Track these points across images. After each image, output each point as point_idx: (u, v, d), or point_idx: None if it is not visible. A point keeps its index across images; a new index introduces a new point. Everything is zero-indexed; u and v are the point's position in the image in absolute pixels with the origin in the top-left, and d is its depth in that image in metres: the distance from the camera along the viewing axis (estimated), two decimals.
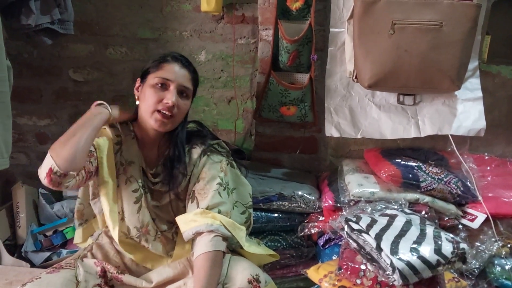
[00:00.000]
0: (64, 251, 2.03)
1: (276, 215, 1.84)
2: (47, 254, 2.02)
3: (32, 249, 2.05)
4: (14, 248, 2.10)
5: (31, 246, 2.06)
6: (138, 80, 1.49)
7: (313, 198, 1.86)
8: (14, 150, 1.79)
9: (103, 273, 1.42)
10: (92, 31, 2.20)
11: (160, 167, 1.48)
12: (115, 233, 1.44)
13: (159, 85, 1.40)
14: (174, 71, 1.42)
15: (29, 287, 1.25)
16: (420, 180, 1.76)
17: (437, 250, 1.36)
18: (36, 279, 1.29)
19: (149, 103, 1.40)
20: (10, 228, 2.16)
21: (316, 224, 1.80)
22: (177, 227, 1.46)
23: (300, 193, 1.86)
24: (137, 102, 1.47)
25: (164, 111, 1.39)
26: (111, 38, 2.21)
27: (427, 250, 1.36)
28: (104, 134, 1.47)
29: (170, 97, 1.39)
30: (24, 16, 1.70)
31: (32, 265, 1.96)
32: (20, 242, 2.10)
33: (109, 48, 2.23)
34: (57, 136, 2.38)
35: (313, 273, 1.59)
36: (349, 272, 1.47)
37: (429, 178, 1.77)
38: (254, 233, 1.74)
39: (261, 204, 1.81)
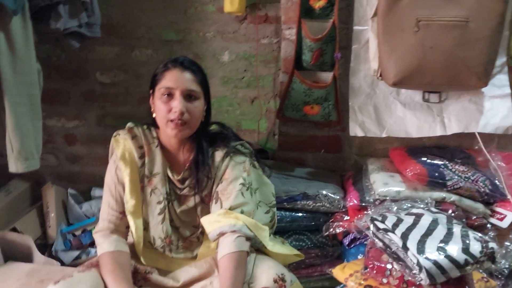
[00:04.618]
0: (92, 250, 2.06)
1: (300, 214, 1.84)
2: (76, 253, 2.07)
3: (62, 248, 2.09)
4: (45, 247, 2.14)
5: (61, 245, 2.10)
6: (151, 91, 1.49)
7: (338, 197, 1.86)
8: (43, 152, 1.83)
9: (133, 273, 1.44)
10: (118, 34, 2.24)
11: (187, 171, 1.50)
12: (139, 249, 1.47)
13: (166, 95, 1.40)
14: (176, 78, 1.40)
15: (61, 285, 1.28)
16: (447, 178, 1.74)
17: (465, 250, 1.35)
18: (68, 277, 1.31)
19: (161, 115, 1.42)
20: (41, 227, 2.21)
21: (341, 223, 1.79)
22: (202, 230, 1.48)
23: (324, 192, 1.86)
24: (154, 115, 1.47)
25: (175, 120, 1.39)
26: (136, 40, 2.24)
27: (454, 249, 1.35)
28: (127, 150, 1.48)
29: (177, 104, 1.38)
30: (53, 20, 1.74)
31: (62, 264, 2.00)
32: (50, 242, 2.15)
33: (135, 51, 2.26)
34: (85, 138, 2.42)
35: (339, 272, 1.59)
36: (375, 271, 1.47)
37: (456, 177, 1.74)
38: (279, 232, 1.74)
39: (285, 203, 1.82)
